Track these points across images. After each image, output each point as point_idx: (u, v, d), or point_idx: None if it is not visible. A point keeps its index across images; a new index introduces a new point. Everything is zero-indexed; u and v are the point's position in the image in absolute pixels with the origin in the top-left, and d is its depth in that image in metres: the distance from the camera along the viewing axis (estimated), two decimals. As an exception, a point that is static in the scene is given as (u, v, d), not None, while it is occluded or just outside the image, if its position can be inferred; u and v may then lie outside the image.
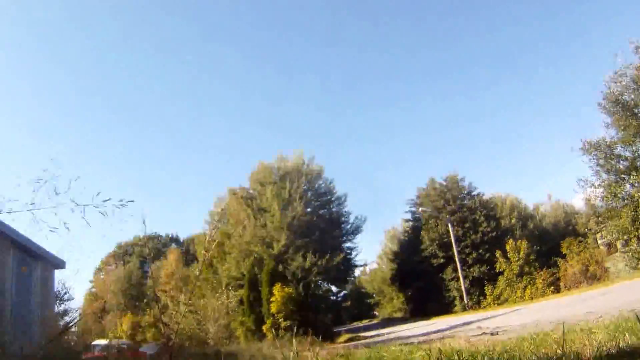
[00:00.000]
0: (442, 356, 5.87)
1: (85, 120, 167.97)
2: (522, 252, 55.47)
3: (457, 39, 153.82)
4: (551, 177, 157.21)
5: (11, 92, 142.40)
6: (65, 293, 44.26)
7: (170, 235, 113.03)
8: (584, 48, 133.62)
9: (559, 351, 5.97)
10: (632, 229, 40.49)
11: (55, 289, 35.18)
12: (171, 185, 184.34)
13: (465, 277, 59.23)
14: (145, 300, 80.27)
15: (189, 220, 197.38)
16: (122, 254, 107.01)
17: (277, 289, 44.79)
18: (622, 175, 42.34)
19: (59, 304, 42.96)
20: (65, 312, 44.83)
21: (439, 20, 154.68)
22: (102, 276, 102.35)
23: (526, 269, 54.73)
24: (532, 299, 50.69)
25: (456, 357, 6.36)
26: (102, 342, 47.53)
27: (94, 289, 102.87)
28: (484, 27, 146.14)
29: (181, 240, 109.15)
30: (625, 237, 42.11)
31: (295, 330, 43.14)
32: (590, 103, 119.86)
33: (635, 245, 41.30)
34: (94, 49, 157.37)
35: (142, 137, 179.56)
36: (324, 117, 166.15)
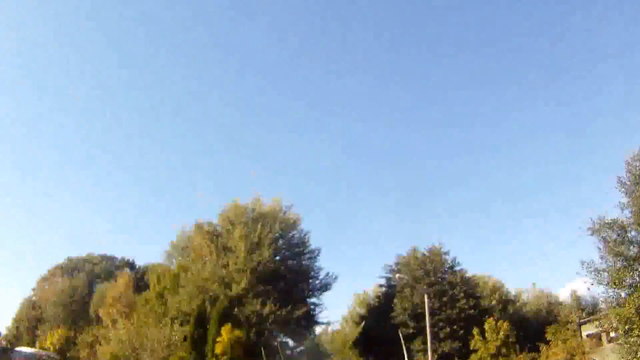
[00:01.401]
0: None
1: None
2: (501, 333, 51.56)
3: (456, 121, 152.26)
4: (536, 266, 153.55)
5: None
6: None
7: (126, 259, 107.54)
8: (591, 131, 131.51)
9: None
10: (637, 318, 36.56)
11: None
12: (137, 210, 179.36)
13: (434, 351, 54.89)
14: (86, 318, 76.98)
15: (149, 247, 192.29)
16: (72, 268, 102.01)
17: (226, 329, 40.26)
18: (631, 262, 38.63)
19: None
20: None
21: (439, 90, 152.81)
22: (46, 286, 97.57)
23: (504, 350, 50.77)
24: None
25: None
26: (27, 350, 43.42)
27: (34, 297, 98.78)
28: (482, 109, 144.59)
29: (137, 266, 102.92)
30: (627, 326, 38.11)
31: None
32: (586, 191, 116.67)
33: (637, 336, 37.36)
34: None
35: (113, 158, 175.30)
36: (311, 167, 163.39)
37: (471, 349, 53.83)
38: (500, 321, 53.72)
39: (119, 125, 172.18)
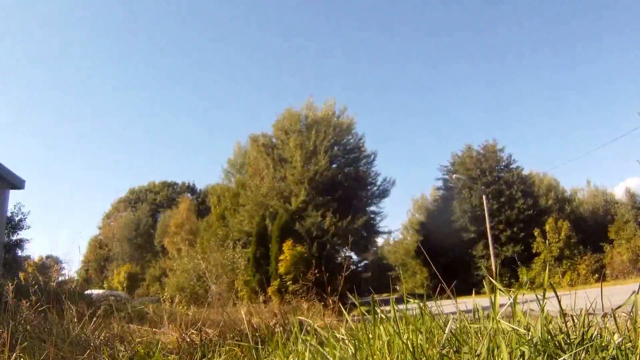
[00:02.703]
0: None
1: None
2: (563, 234, 51.00)
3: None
4: (591, 162, 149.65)
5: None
6: (20, 220, 38.69)
7: (186, 184, 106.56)
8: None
9: None
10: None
11: (9, 213, 30.89)
12: (194, 132, 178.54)
13: (496, 256, 54.69)
14: (153, 251, 76.94)
15: (208, 169, 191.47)
16: (134, 200, 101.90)
17: (287, 246, 39.65)
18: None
19: (12, 232, 37.77)
20: (19, 244, 39.48)
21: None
22: (111, 223, 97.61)
23: (567, 252, 50.23)
24: (572, 286, 45.87)
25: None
26: (96, 291, 43.85)
27: (100, 236, 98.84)
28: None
29: (198, 190, 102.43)
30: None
31: (305, 295, 38.53)
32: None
33: None
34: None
35: (169, 82, 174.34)
36: (359, 68, 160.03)
37: (534, 252, 53.36)
38: (561, 220, 52.95)
39: (168, 48, 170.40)
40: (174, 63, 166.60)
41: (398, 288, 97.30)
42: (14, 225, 37.47)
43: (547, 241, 51.62)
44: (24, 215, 38.48)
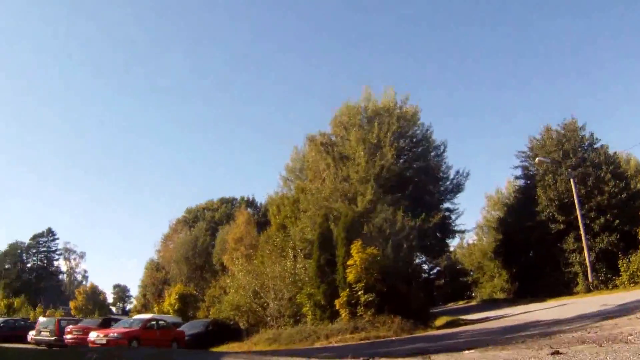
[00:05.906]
0: None
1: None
2: (674, 217, 45.01)
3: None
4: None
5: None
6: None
7: (245, 198, 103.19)
8: None
9: None
10: None
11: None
12: (255, 145, 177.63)
13: (590, 249, 48.33)
14: (212, 270, 74.04)
15: (269, 182, 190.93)
16: (192, 219, 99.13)
17: (356, 248, 34.02)
18: None
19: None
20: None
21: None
22: (170, 245, 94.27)
23: (680, 239, 44.25)
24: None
25: None
26: (142, 316, 40.07)
27: (158, 259, 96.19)
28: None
29: (258, 204, 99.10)
30: None
31: (379, 307, 32.34)
32: None
33: None
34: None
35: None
36: (422, 59, 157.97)
37: (638, 240, 46.79)
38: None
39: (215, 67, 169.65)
40: (233, 74, 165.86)
41: (474, 294, 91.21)
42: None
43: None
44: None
